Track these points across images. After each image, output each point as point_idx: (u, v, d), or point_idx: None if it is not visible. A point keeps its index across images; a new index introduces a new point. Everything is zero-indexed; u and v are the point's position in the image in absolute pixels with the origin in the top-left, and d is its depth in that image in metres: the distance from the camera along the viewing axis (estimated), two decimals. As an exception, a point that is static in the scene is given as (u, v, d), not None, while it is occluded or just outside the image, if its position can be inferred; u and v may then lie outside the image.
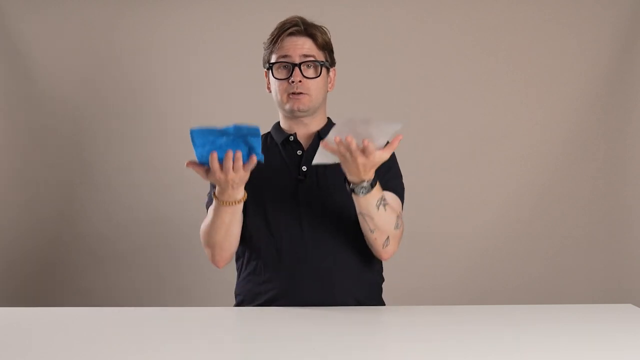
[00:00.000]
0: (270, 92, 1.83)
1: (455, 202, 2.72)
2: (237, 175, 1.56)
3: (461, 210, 2.72)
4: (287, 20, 1.79)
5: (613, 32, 2.70)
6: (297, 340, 1.37)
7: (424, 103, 2.73)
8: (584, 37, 2.70)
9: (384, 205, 1.64)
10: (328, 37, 1.81)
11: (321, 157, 1.57)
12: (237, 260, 1.84)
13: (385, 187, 1.70)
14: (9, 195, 2.74)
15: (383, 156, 1.54)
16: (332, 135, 1.52)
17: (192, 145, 1.51)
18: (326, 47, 1.80)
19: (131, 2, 2.72)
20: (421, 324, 1.55)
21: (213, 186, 1.70)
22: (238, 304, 1.82)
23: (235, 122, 1.51)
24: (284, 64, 1.76)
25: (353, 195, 1.62)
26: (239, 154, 1.53)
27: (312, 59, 1.76)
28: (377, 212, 1.63)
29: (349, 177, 1.58)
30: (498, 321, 1.56)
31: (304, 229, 1.73)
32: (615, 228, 2.73)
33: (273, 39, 1.78)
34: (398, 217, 1.72)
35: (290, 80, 1.75)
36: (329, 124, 1.85)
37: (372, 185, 1.59)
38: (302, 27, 1.77)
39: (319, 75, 1.77)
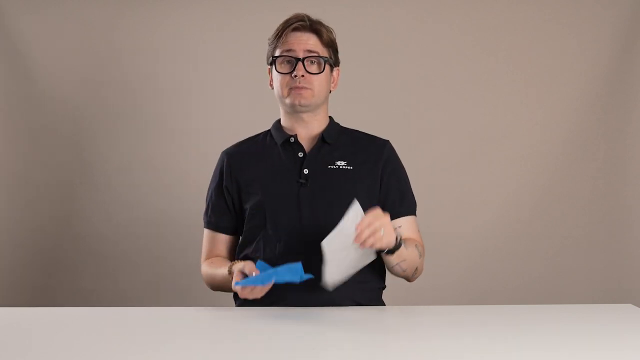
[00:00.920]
0: (273, 88, 1.81)
1: (455, 202, 2.71)
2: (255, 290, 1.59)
3: (461, 210, 2.72)
4: (293, 15, 1.77)
5: (613, 32, 2.69)
6: (297, 340, 1.37)
7: (424, 103, 2.73)
8: (584, 37, 2.70)
9: (405, 246, 1.66)
10: (333, 36, 1.80)
11: (332, 272, 1.58)
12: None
13: (397, 212, 1.74)
14: (9, 195, 2.73)
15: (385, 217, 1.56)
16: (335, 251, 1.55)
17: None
18: (331, 45, 1.79)
19: (131, 2, 2.72)
20: (421, 324, 1.55)
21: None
22: (238, 305, 1.82)
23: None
24: (288, 58, 1.75)
25: (385, 256, 1.64)
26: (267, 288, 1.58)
27: (316, 54, 1.75)
28: (403, 255, 1.66)
29: (388, 245, 1.59)
30: (498, 321, 1.56)
31: (305, 233, 1.72)
32: (615, 228, 2.73)
33: (278, 33, 1.76)
34: (417, 245, 1.74)
35: (292, 75, 1.73)
36: (331, 125, 1.84)
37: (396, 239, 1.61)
38: (308, 23, 1.75)
39: (322, 71, 1.75)
